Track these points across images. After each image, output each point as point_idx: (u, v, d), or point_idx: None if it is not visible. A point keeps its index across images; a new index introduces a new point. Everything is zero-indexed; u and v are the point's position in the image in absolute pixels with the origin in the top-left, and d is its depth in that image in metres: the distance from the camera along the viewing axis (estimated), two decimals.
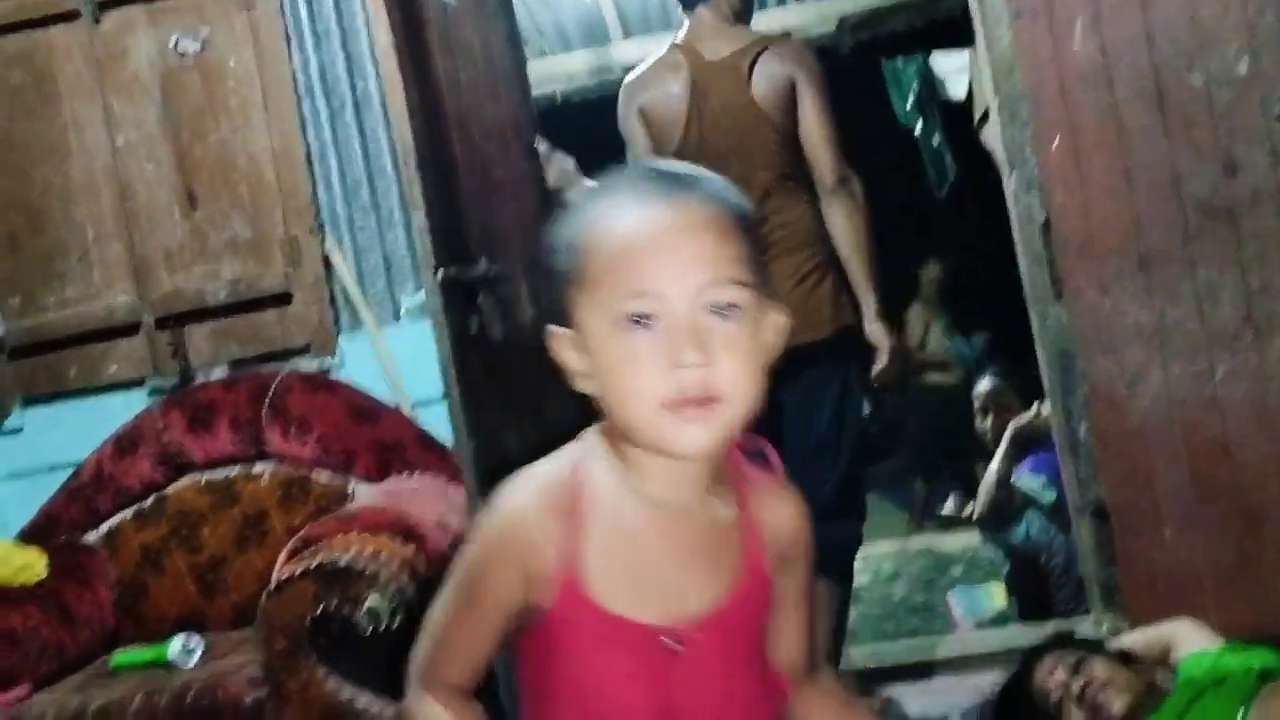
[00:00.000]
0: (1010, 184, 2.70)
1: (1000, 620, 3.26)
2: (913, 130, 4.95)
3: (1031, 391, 3.08)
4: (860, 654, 2.94)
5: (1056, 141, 2.52)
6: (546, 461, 0.97)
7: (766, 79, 2.41)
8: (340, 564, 2.05)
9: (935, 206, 5.47)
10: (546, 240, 0.97)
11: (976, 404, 3.33)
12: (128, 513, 2.75)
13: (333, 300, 3.08)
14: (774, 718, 1.00)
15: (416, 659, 1.00)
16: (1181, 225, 2.45)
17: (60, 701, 2.20)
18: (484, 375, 2.36)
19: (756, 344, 0.90)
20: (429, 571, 2.21)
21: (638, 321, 0.87)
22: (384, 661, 2.04)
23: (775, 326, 0.93)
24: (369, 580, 2.05)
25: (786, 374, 2.52)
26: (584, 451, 0.95)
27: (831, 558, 2.35)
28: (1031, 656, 2.11)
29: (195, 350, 3.07)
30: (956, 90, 4.46)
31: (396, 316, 3.12)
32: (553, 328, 0.95)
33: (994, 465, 3.01)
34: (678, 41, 2.53)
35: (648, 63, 2.57)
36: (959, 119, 4.43)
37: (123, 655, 2.45)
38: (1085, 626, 2.64)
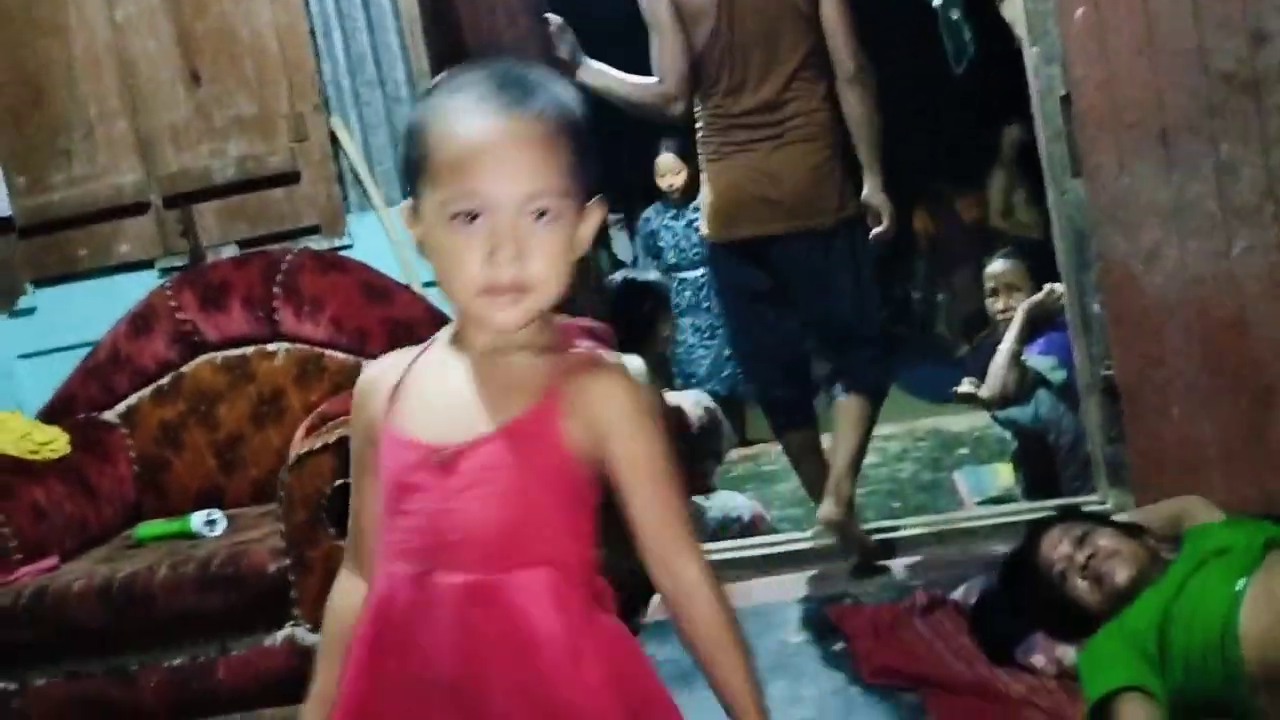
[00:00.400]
0: (1031, 56, 2.64)
1: (1006, 499, 3.30)
2: (929, 3, 4.80)
3: (1045, 273, 3.07)
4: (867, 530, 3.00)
5: (1080, 12, 2.45)
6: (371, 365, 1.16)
7: None
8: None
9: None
10: (408, 119, 1.10)
11: (987, 286, 3.31)
12: (145, 391, 2.77)
13: (341, 179, 3.05)
14: (543, 565, 1.06)
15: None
16: (1205, 98, 2.40)
17: (89, 570, 2.26)
18: None
19: (570, 243, 1.03)
20: None
21: (468, 218, 0.99)
22: None
23: (594, 217, 1.06)
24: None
25: (799, 253, 2.69)
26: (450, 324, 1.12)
27: (866, 381, 2.78)
28: (1037, 529, 2.15)
29: (204, 229, 3.05)
30: None
31: (405, 196, 3.08)
32: (405, 202, 1.08)
33: (1005, 345, 3.01)
34: None
35: None
36: None
37: (147, 528, 2.51)
38: (1092, 505, 2.68)
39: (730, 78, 2.66)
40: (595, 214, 1.07)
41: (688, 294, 4.75)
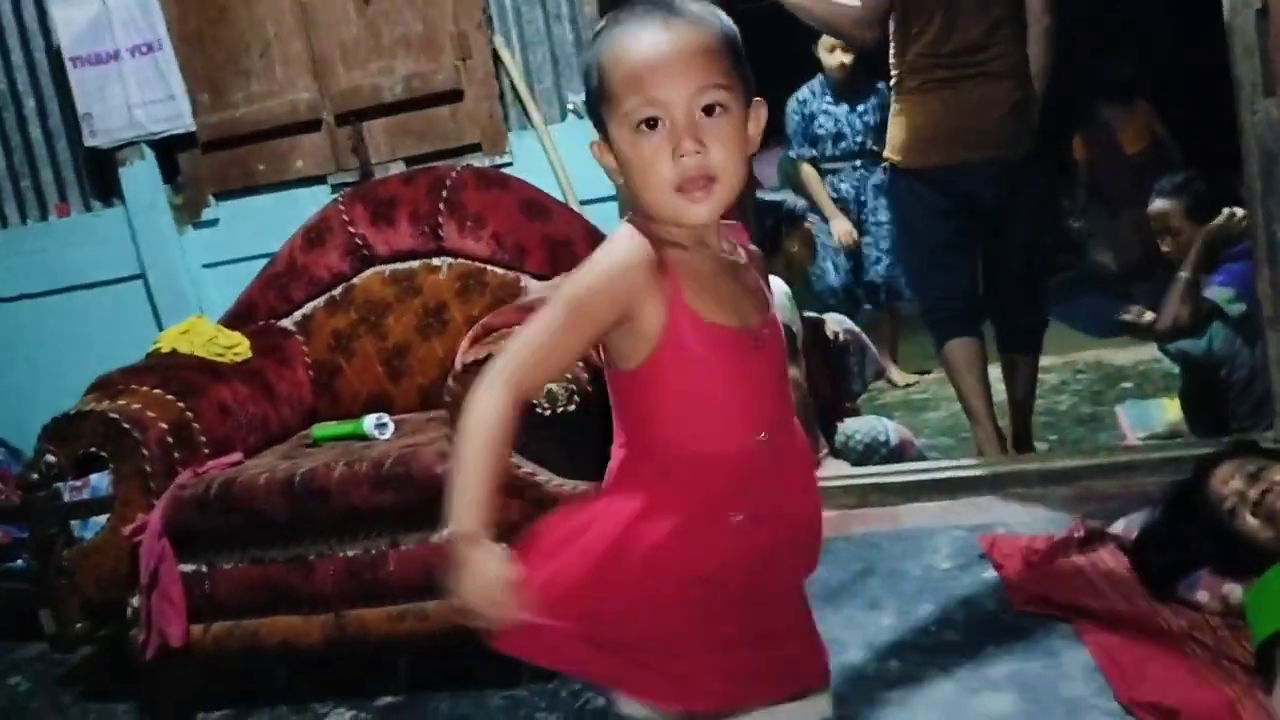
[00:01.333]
0: None
1: (1172, 435, 3.18)
2: None
3: (1222, 201, 2.91)
4: (1021, 459, 2.94)
5: None
6: (618, 236, 1.17)
7: None
8: None
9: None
10: (582, 63, 1.23)
11: (1154, 225, 3.15)
12: (319, 300, 2.92)
13: (502, 98, 3.10)
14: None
15: (505, 358, 1.15)
16: None
17: (271, 465, 2.42)
18: None
19: (742, 134, 1.15)
20: (600, 360, 2.30)
21: (650, 125, 1.12)
22: (560, 441, 2.16)
23: (758, 117, 1.18)
24: None
25: (993, 178, 2.92)
26: (634, 232, 1.17)
27: (1028, 338, 3.23)
28: (1208, 462, 2.07)
29: (373, 146, 3.16)
30: None
31: (563, 115, 3.13)
32: (594, 138, 1.19)
33: (1182, 274, 2.87)
34: None
35: None
36: None
37: (322, 429, 2.66)
38: (1266, 443, 2.56)
39: (942, 20, 2.90)
40: (759, 111, 1.18)
41: (845, 187, 4.56)
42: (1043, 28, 2.95)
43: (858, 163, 4.50)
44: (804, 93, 4.63)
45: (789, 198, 3.55)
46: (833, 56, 4.47)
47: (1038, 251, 3.20)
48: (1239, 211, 2.77)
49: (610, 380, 1.21)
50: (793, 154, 4.63)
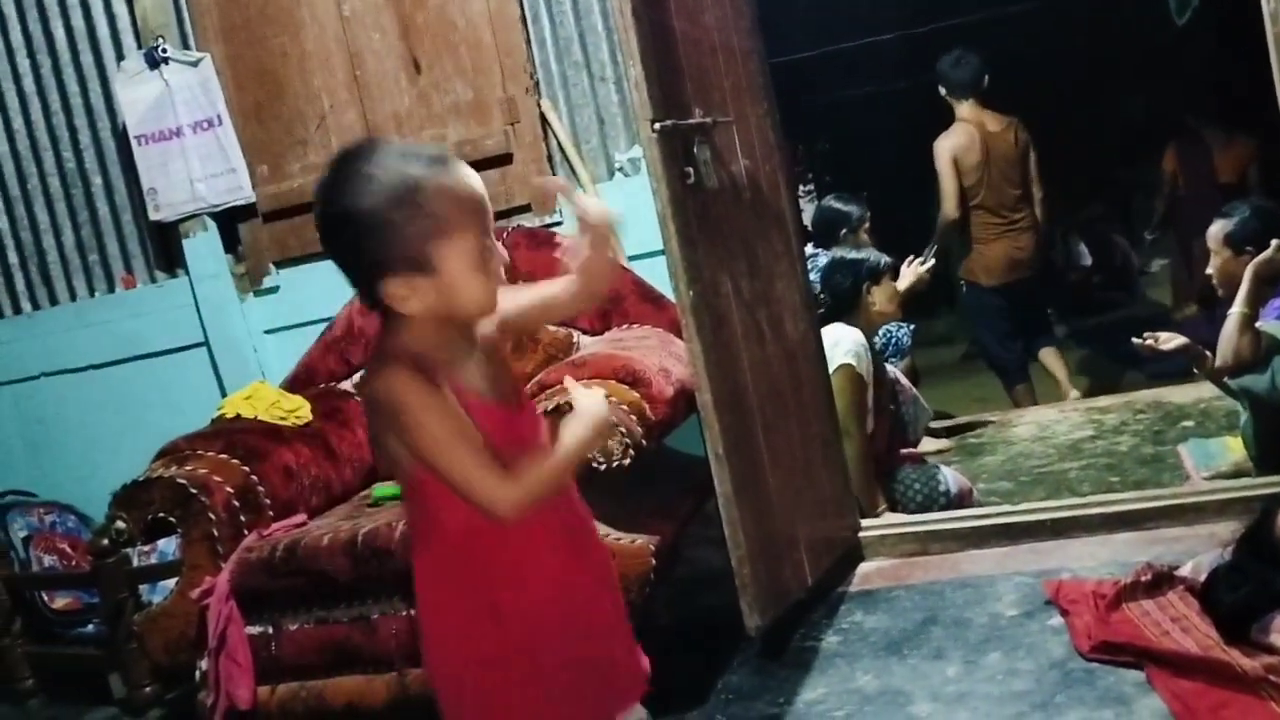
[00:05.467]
0: (1269, 3, 2.46)
1: (1236, 473, 3.11)
2: None
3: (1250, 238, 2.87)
4: (1084, 503, 2.90)
5: None
6: (379, 361, 1.31)
7: (1022, 142, 4.57)
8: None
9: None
10: (372, 206, 1.24)
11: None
12: None
13: (550, 159, 3.17)
14: None
15: (485, 490, 1.26)
16: None
17: (334, 527, 2.45)
18: (699, 226, 2.40)
19: None
20: (654, 414, 2.32)
21: (489, 245, 1.28)
22: (614, 495, 2.17)
23: None
24: None
25: (1029, 287, 4.69)
26: (403, 349, 1.29)
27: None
28: (1275, 503, 2.03)
29: None
30: None
31: (610, 174, 3.18)
32: (394, 278, 1.25)
33: (1234, 308, 2.82)
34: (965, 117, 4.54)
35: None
36: None
37: (382, 489, 2.70)
38: None
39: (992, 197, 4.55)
40: None
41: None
42: (1040, 197, 4.66)
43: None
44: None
45: (871, 254, 3.57)
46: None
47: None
48: None
49: (413, 487, 1.32)
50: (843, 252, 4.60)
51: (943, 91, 4.57)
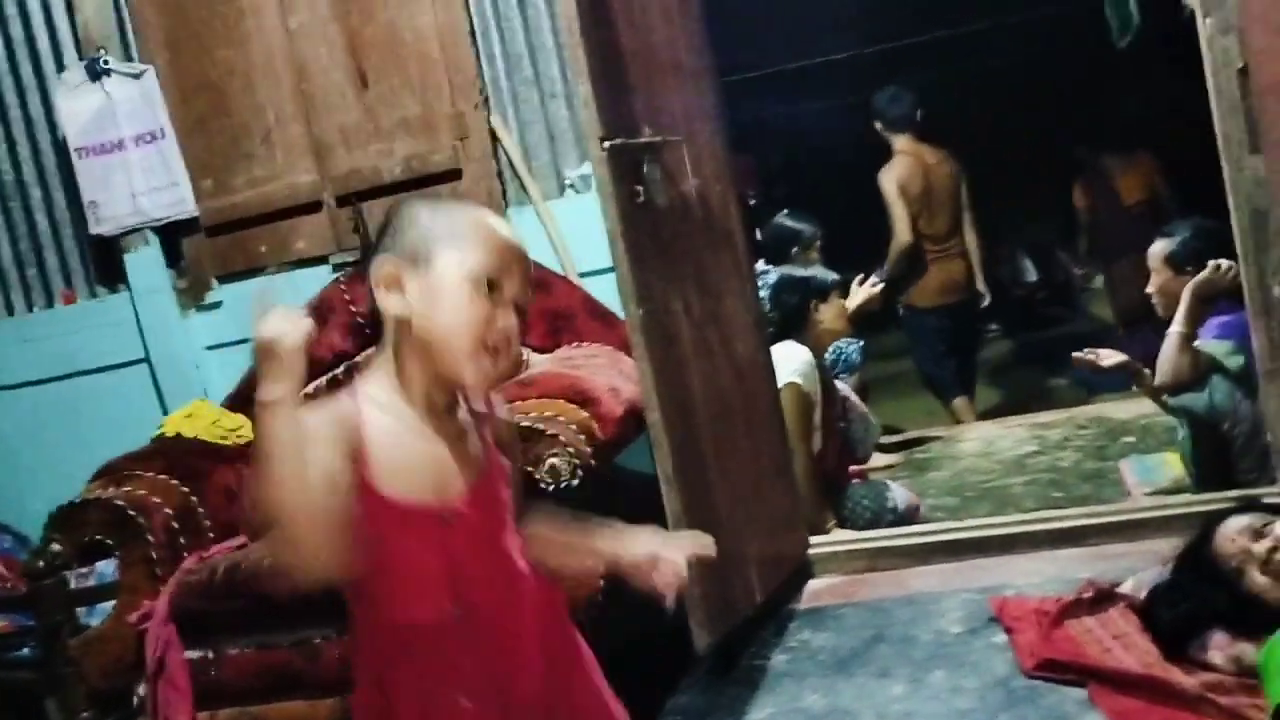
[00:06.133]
0: (1205, 28, 2.52)
1: (1176, 489, 3.17)
2: None
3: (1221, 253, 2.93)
4: (1028, 519, 2.93)
5: None
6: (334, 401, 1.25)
7: (955, 173, 4.80)
8: (522, 426, 2.16)
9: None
10: (414, 207, 1.28)
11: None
12: (322, 380, 2.93)
13: (500, 175, 3.16)
14: (531, 570, 1.33)
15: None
16: None
17: None
18: (650, 244, 2.39)
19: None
20: (604, 434, 2.31)
21: (489, 288, 1.22)
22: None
23: None
24: (550, 441, 2.16)
25: (964, 311, 4.77)
26: (366, 381, 1.26)
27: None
28: (1214, 521, 2.07)
29: (374, 226, 3.20)
30: None
31: (561, 191, 3.18)
32: (388, 256, 1.24)
33: (1174, 328, 2.87)
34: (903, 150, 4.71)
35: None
36: None
37: None
38: (1270, 497, 2.55)
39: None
40: None
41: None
42: (971, 223, 4.86)
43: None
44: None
45: (819, 271, 3.60)
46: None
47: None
48: (1224, 263, 2.79)
49: None
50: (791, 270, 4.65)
51: (878, 126, 4.77)
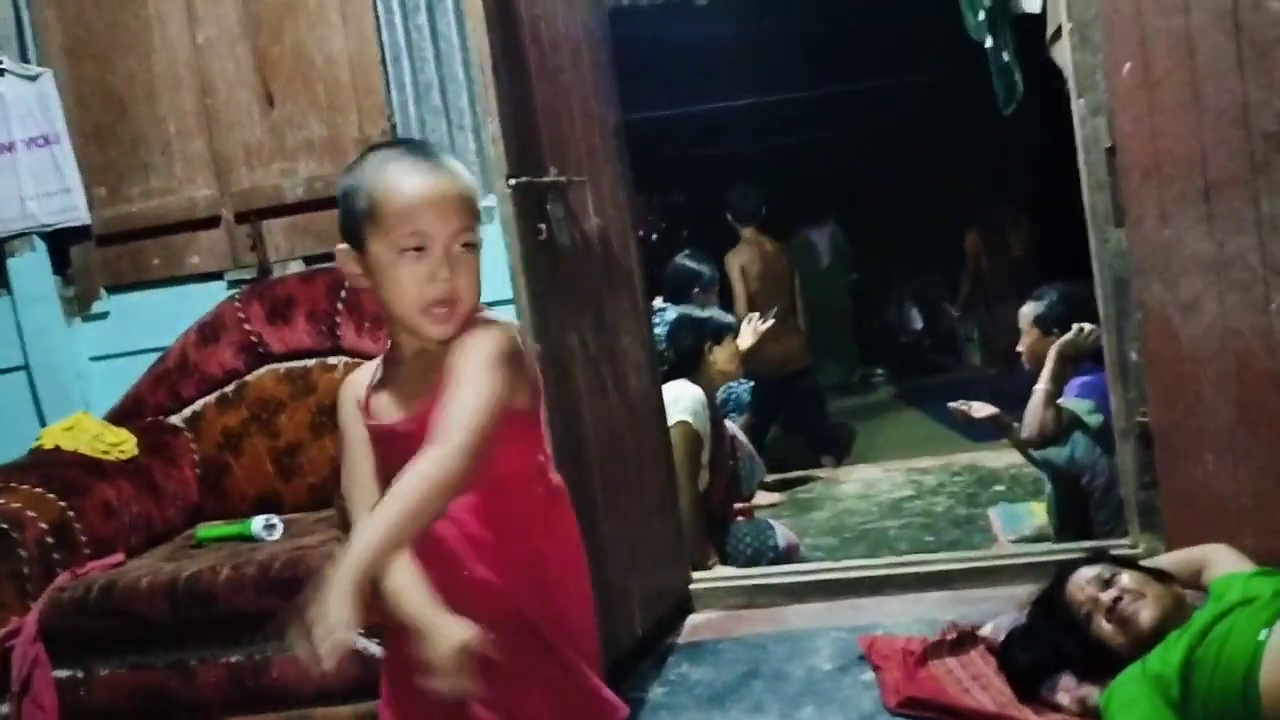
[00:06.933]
0: (1078, 108, 2.70)
1: (1039, 538, 3.34)
2: (982, 44, 4.86)
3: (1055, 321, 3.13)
4: (899, 562, 3.06)
5: (1128, 67, 2.51)
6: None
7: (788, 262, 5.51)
8: None
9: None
10: (344, 183, 1.38)
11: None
12: (210, 397, 2.90)
13: None
14: None
15: (470, 432, 1.26)
16: (1248, 155, 2.44)
17: (154, 568, 2.38)
18: (550, 281, 2.45)
19: (479, 266, 1.36)
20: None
21: (414, 250, 1.31)
22: None
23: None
24: None
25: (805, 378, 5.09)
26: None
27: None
28: (1066, 569, 2.20)
29: (273, 245, 3.18)
30: (1031, 4, 4.36)
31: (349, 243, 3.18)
32: (342, 246, 1.38)
33: (1039, 385, 3.05)
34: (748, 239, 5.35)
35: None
36: (1029, 32, 4.36)
37: (207, 529, 2.63)
38: (1123, 548, 2.72)
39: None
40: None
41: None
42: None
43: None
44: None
45: (716, 313, 3.69)
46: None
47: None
48: (1088, 327, 2.97)
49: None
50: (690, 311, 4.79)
51: (729, 217, 5.37)
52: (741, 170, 7.94)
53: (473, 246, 1.34)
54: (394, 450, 1.34)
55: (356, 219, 1.34)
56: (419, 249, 1.31)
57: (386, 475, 1.33)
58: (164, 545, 2.65)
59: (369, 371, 1.47)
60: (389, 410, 1.41)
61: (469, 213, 1.34)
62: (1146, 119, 2.50)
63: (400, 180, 1.32)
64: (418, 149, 1.38)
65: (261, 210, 3.18)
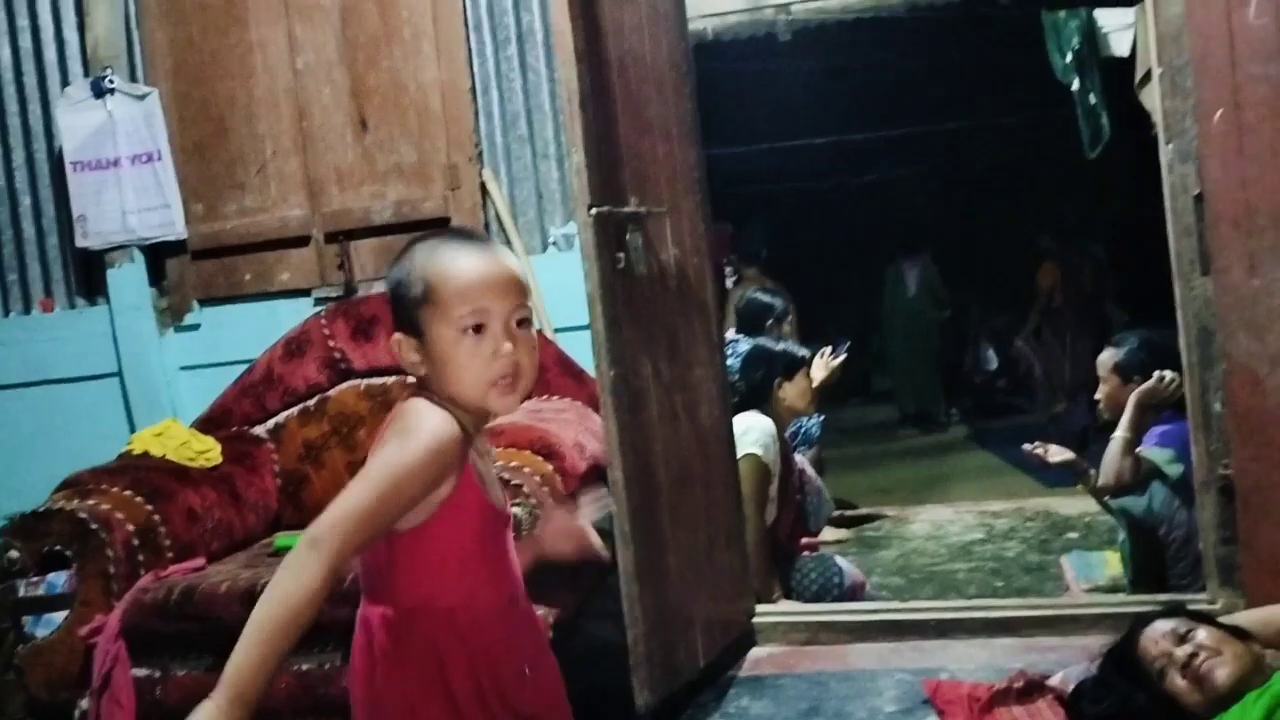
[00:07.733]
0: (1166, 154, 2.66)
1: (1113, 588, 3.27)
2: (1069, 86, 4.83)
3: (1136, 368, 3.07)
4: (968, 606, 3.01)
5: (1219, 114, 2.48)
6: (429, 407, 1.36)
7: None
8: None
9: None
10: (396, 274, 1.39)
11: None
12: (293, 410, 2.99)
13: (486, 226, 3.24)
14: None
15: (326, 527, 1.27)
16: None
17: (233, 574, 2.45)
18: (626, 309, 2.48)
19: (535, 340, 1.40)
20: (565, 488, 2.38)
21: (476, 330, 1.34)
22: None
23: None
24: (512, 490, 2.22)
25: None
26: (436, 408, 1.36)
27: None
28: (1141, 623, 2.15)
29: (359, 264, 3.28)
30: (1120, 47, 4.33)
31: (544, 247, 3.27)
32: (399, 335, 1.39)
33: (1118, 433, 2.99)
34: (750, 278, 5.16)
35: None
36: (1118, 75, 4.32)
37: (285, 538, 2.70)
38: (1200, 603, 2.65)
39: None
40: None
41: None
42: None
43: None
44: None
45: (789, 346, 3.68)
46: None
47: None
48: (1169, 374, 2.91)
49: (385, 540, 1.35)
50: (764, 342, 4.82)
51: (734, 258, 5.45)
52: (821, 205, 7.95)
53: (528, 323, 1.38)
54: (494, 531, 1.43)
55: (413, 306, 1.35)
56: (479, 327, 1.33)
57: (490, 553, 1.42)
58: (243, 552, 2.73)
59: (458, 430, 1.37)
60: (492, 492, 1.43)
61: (522, 290, 1.38)
62: (1237, 167, 2.46)
63: (455, 262, 1.35)
64: (462, 234, 1.43)
65: (350, 231, 3.28)
